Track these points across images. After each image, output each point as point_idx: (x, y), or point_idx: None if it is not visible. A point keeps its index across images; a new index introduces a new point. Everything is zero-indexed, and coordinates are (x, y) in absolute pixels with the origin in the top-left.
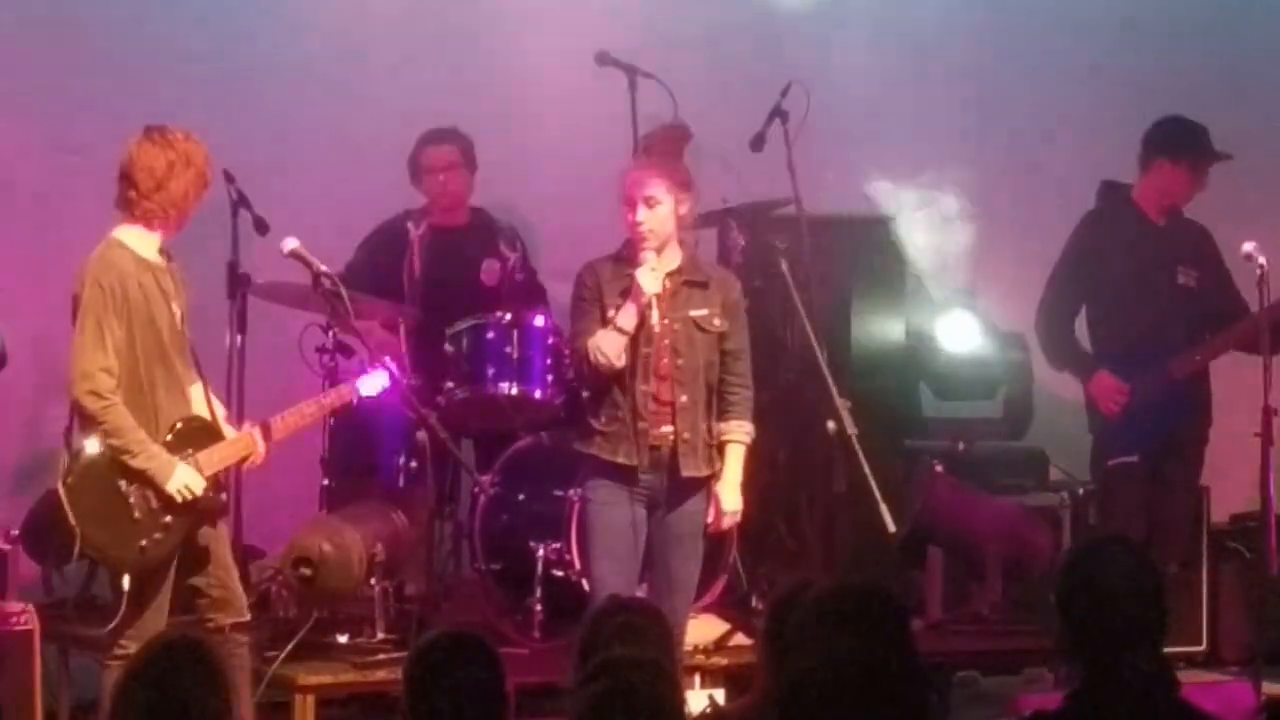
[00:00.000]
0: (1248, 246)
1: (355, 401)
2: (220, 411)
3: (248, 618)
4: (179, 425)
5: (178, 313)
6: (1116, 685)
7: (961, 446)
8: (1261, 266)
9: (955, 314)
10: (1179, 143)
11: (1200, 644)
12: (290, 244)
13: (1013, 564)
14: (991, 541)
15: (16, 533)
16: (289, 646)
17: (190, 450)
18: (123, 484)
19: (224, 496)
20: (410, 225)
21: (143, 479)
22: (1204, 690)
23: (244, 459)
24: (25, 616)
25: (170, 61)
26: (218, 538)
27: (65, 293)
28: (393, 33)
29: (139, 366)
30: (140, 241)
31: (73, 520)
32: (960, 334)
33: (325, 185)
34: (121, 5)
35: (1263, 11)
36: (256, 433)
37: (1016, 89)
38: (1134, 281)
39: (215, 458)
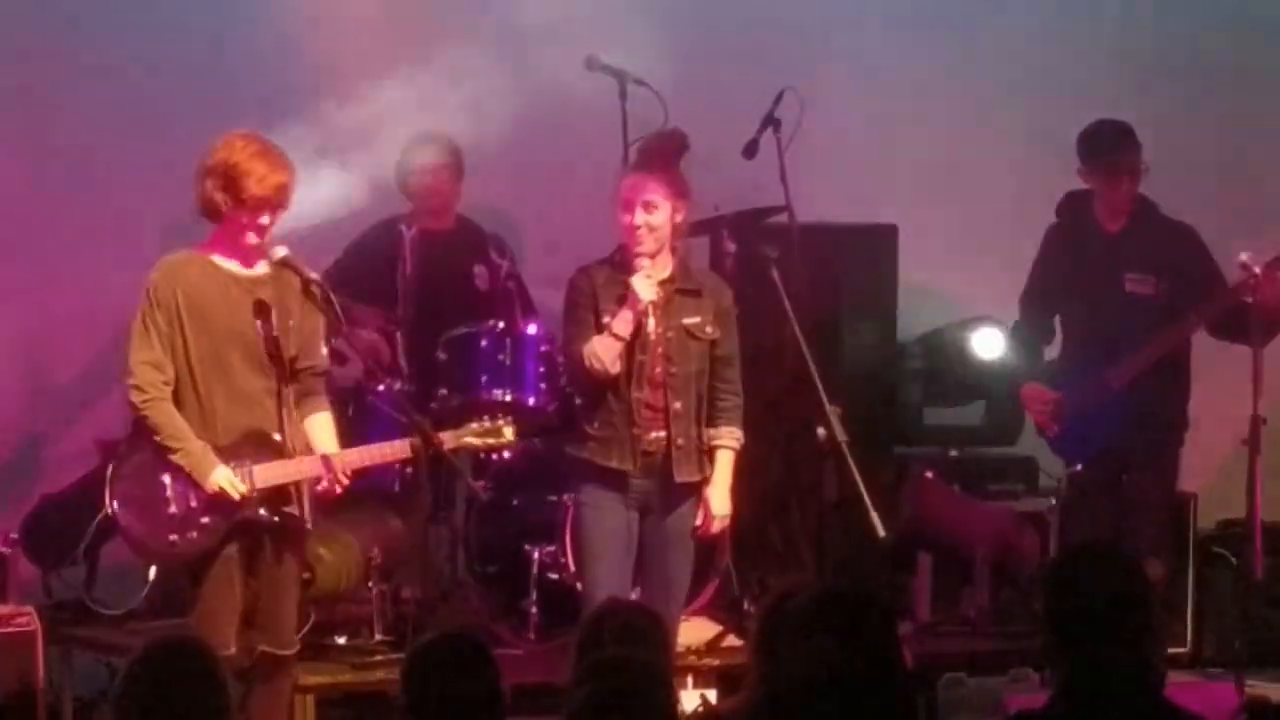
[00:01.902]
0: (1243, 256)
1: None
2: (325, 444)
3: (287, 651)
4: (238, 433)
5: (267, 325)
6: (1101, 685)
7: (953, 454)
8: (1255, 276)
9: (982, 326)
10: (1082, 149)
11: (1185, 645)
12: (280, 252)
13: (1001, 567)
14: (979, 546)
15: (15, 536)
16: None
17: (248, 461)
18: (165, 477)
19: (293, 512)
20: (403, 227)
21: (187, 476)
22: (1188, 690)
23: (310, 481)
24: (26, 619)
25: (159, 67)
26: (280, 562)
27: (57, 297)
28: (380, 40)
29: (193, 369)
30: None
31: (110, 502)
32: (988, 343)
33: (314, 193)
34: (109, 8)
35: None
36: (320, 461)
37: (1009, 96)
38: (1080, 291)
39: (273, 473)
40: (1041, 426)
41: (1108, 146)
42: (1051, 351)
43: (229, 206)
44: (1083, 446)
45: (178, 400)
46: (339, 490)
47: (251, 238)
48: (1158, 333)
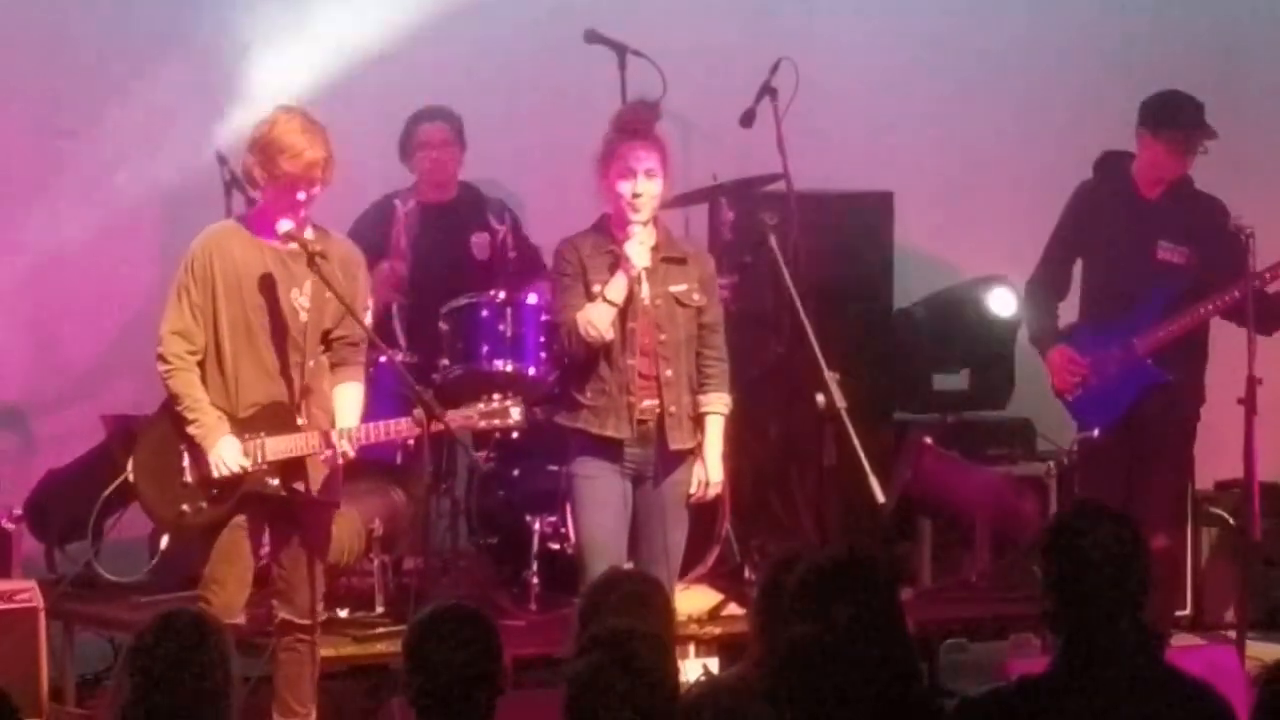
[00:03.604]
0: (1236, 219)
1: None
2: (348, 418)
3: (306, 621)
4: (259, 405)
5: (298, 298)
6: (1101, 649)
7: (949, 420)
8: (1249, 239)
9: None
10: (1158, 115)
11: (1185, 608)
12: (284, 226)
13: (1000, 532)
14: (979, 511)
15: (19, 512)
16: None
17: (262, 433)
18: (183, 447)
19: (300, 487)
20: (397, 202)
21: (199, 447)
22: (1188, 653)
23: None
24: (30, 594)
25: (160, 46)
26: (299, 533)
27: (57, 274)
28: (380, 11)
29: (223, 338)
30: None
31: (130, 469)
32: (1001, 302)
33: None
34: None
35: None
36: (320, 435)
37: (1006, 63)
38: (1110, 254)
39: (282, 445)
40: (1062, 390)
41: (1189, 119)
42: (1065, 310)
43: (265, 181)
44: (1102, 412)
45: (204, 370)
46: (341, 461)
47: (286, 215)
48: (1192, 304)
